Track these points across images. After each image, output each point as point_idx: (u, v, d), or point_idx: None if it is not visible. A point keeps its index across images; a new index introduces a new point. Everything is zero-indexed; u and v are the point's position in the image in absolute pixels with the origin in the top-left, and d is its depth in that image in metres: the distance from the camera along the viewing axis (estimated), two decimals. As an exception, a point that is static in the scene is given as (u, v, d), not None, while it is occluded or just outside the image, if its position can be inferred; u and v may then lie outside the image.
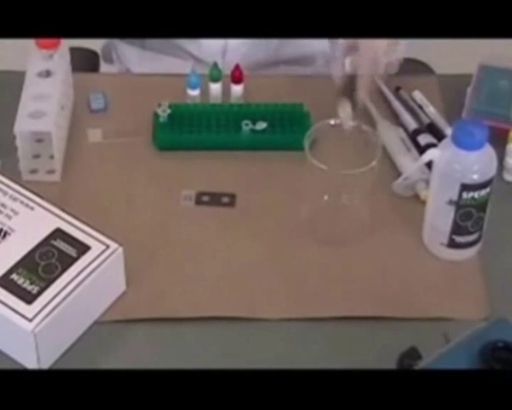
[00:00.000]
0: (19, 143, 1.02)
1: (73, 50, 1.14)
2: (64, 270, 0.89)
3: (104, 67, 1.39)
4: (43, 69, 1.07)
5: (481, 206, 0.94)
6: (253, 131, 1.08)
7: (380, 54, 1.02)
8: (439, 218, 0.96)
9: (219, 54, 1.21)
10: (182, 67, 1.20)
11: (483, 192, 0.93)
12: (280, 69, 1.25)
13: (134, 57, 1.27)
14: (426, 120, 1.10)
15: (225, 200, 1.03)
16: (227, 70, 1.12)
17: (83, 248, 0.91)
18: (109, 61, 1.35)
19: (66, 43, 1.11)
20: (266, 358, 0.89)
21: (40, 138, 1.03)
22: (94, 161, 1.07)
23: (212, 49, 1.20)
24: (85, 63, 1.35)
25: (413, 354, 0.83)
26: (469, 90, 1.09)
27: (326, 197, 0.99)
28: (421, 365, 0.79)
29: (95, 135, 1.10)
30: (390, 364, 0.83)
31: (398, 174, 1.03)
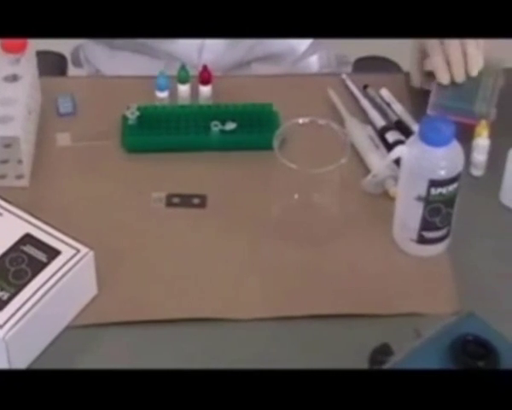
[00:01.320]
0: (-14, 148, 1.01)
1: (40, 54, 1.13)
2: (34, 275, 0.89)
3: (73, 71, 1.38)
4: (9, 74, 1.07)
5: (449, 201, 0.95)
6: (223, 131, 1.08)
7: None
8: (408, 214, 0.97)
9: (196, 52, 1.21)
10: (154, 66, 1.20)
11: (451, 188, 0.94)
12: (253, 67, 1.25)
13: (103, 57, 1.26)
14: (394, 118, 1.11)
15: (196, 201, 1.03)
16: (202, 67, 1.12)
17: (53, 253, 0.91)
18: (78, 64, 1.35)
19: (33, 47, 1.10)
20: (240, 358, 0.89)
21: (8, 143, 1.02)
22: (63, 165, 1.07)
23: (188, 47, 1.20)
24: (53, 67, 1.35)
25: (385, 350, 0.83)
26: (433, 86, 1.10)
27: (296, 196, 1.00)
28: (393, 360, 0.80)
29: (63, 139, 1.09)
30: (363, 360, 0.84)
31: (367, 172, 1.04)
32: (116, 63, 1.25)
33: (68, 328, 0.91)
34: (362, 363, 0.83)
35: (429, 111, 1.08)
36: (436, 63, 1.06)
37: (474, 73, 1.07)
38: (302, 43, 1.27)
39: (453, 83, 1.08)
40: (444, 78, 1.05)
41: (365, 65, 1.37)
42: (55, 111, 1.12)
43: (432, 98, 1.09)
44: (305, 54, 1.28)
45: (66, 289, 0.89)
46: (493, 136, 1.05)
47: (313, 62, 1.29)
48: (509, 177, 1.02)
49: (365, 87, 1.15)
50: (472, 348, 0.76)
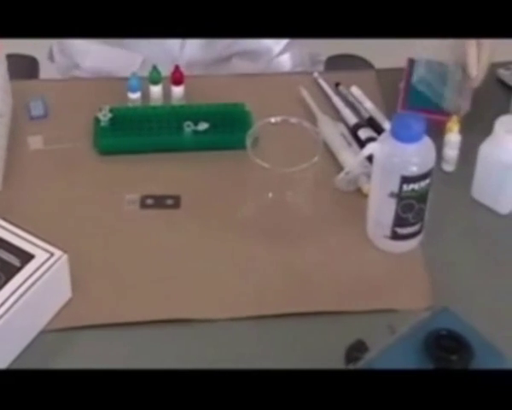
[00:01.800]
0: (-43, 153, 1.00)
1: (11, 57, 1.13)
2: (8, 280, 0.88)
3: (44, 74, 1.37)
4: (-21, 78, 1.06)
5: (422, 197, 0.95)
6: (196, 131, 1.08)
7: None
8: (381, 211, 0.97)
9: (177, 45, 1.21)
10: (133, 60, 1.19)
11: (423, 184, 0.94)
12: (233, 62, 1.25)
13: (81, 50, 1.25)
14: (366, 115, 1.12)
15: (170, 202, 1.03)
16: (185, 61, 1.11)
17: (26, 257, 0.90)
18: (52, 59, 1.33)
19: (3, 50, 1.09)
20: (216, 358, 0.89)
21: (-21, 148, 1.02)
22: (35, 169, 1.06)
23: (170, 41, 1.20)
24: (24, 70, 1.34)
25: (360, 346, 0.84)
26: (401, 84, 1.11)
27: (270, 195, 1.00)
28: (369, 357, 0.80)
29: (35, 142, 1.09)
30: (338, 357, 0.84)
31: (340, 169, 1.04)
32: (95, 57, 1.24)
33: (43, 332, 0.91)
34: (337, 360, 0.84)
35: (400, 108, 1.09)
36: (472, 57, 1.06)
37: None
38: (279, 42, 1.27)
39: (426, 72, 1.08)
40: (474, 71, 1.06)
41: (337, 63, 1.38)
42: (27, 114, 1.11)
43: (401, 97, 1.09)
44: (279, 52, 1.29)
45: (40, 293, 0.89)
46: (464, 131, 1.06)
47: (286, 61, 1.30)
48: (480, 172, 1.03)
49: (337, 85, 1.16)
50: (446, 342, 0.77)
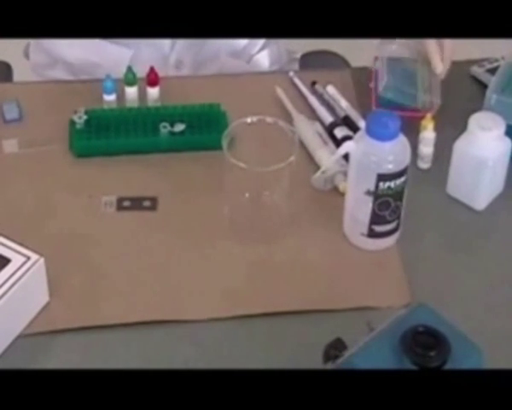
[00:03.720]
0: None
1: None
2: (-16, 285, 0.88)
3: (19, 77, 1.36)
4: (-48, 81, 1.05)
5: (398, 195, 0.96)
6: (172, 133, 1.08)
7: None
8: (358, 209, 0.97)
9: (168, 42, 1.21)
10: (122, 54, 1.19)
11: (399, 181, 0.95)
12: (222, 62, 1.25)
13: (64, 41, 1.22)
14: (341, 114, 1.12)
15: (147, 204, 1.03)
16: (175, 58, 1.11)
17: (2, 262, 0.90)
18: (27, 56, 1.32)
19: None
20: (195, 358, 0.89)
21: (-47, 152, 1.01)
22: (10, 172, 1.05)
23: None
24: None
25: (338, 344, 0.84)
26: (371, 84, 1.11)
27: (247, 195, 1.00)
28: (347, 355, 0.81)
29: (10, 145, 1.08)
30: (317, 356, 0.84)
31: (317, 168, 1.04)
32: (82, 48, 1.22)
33: (20, 336, 0.90)
34: (316, 358, 0.84)
35: (374, 107, 1.09)
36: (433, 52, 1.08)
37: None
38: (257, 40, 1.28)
39: (392, 77, 1.09)
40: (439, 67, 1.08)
41: (312, 59, 1.38)
42: (1, 118, 1.10)
43: (374, 96, 1.10)
44: (257, 50, 1.29)
45: (17, 297, 0.88)
46: (439, 129, 1.07)
47: (264, 57, 1.30)
48: (455, 169, 1.03)
49: (313, 84, 1.16)
50: (423, 338, 0.77)
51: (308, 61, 1.37)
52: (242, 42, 1.26)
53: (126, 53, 1.20)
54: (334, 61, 1.39)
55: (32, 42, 1.29)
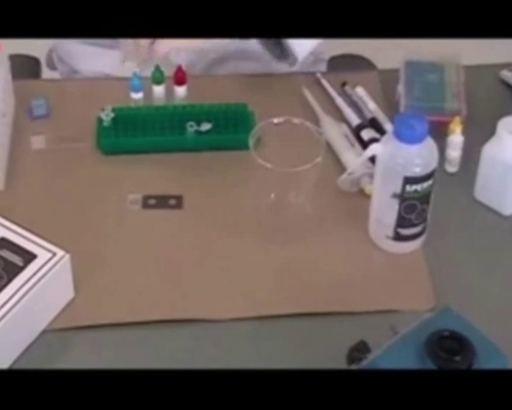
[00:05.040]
0: (-40, 152, 1.00)
1: (14, 57, 1.13)
2: (10, 279, 0.88)
3: (47, 74, 1.37)
4: (-18, 77, 1.06)
5: (424, 198, 0.95)
6: (198, 132, 1.08)
7: None
8: (383, 211, 0.97)
9: (173, 50, 1.21)
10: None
11: (426, 184, 0.94)
12: (232, 63, 1.25)
13: (79, 55, 1.25)
14: (368, 115, 1.12)
15: (172, 202, 1.03)
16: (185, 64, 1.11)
17: (29, 257, 0.90)
18: (52, 66, 1.34)
19: (6, 51, 1.09)
20: (220, 358, 0.89)
21: (-18, 147, 1.02)
22: (38, 169, 1.06)
23: (165, 47, 1.20)
24: (26, 70, 1.34)
25: (362, 347, 0.84)
26: (400, 87, 1.11)
27: (272, 196, 1.00)
28: (371, 357, 0.80)
29: (38, 142, 1.09)
30: (340, 358, 0.84)
31: (343, 170, 1.04)
32: (92, 60, 1.24)
33: (45, 332, 0.91)
34: (340, 361, 0.84)
35: (402, 110, 1.09)
36: None
37: None
38: None
39: (419, 83, 1.09)
40: None
41: (340, 63, 1.38)
42: (30, 114, 1.11)
43: (402, 100, 1.10)
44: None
45: (42, 292, 0.89)
46: (467, 132, 1.06)
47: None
48: (483, 173, 1.03)
49: (343, 85, 1.16)
50: (448, 343, 0.77)
51: (335, 65, 1.37)
52: (255, 44, 1.25)
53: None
54: (362, 65, 1.39)
55: (54, 55, 1.30)
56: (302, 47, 1.09)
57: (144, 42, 1.19)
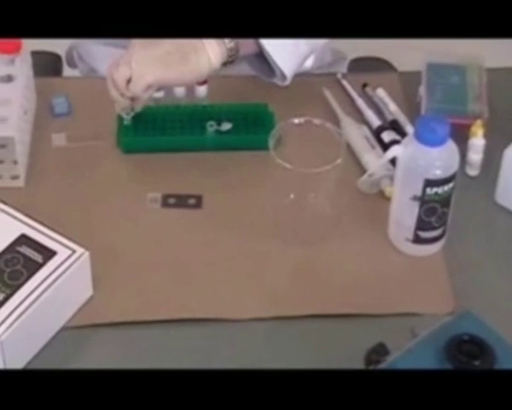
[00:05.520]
0: (-19, 149, 1.01)
1: (35, 54, 1.13)
2: (30, 276, 0.89)
3: (68, 71, 1.38)
4: (4, 74, 1.07)
5: (445, 201, 0.95)
6: (218, 131, 1.08)
7: None
8: (403, 214, 0.97)
9: None
10: None
11: (446, 187, 0.94)
12: (243, 66, 1.25)
13: (98, 55, 1.26)
14: (389, 117, 1.11)
15: (192, 201, 1.03)
16: None
17: (49, 254, 0.90)
18: (72, 64, 1.34)
19: (28, 48, 1.10)
20: (236, 358, 0.89)
21: (3, 144, 1.02)
22: (58, 166, 1.06)
23: None
24: (48, 67, 1.35)
25: (381, 349, 0.83)
26: (421, 89, 1.10)
27: (292, 196, 1.00)
28: (389, 360, 0.80)
29: (58, 139, 1.09)
30: (358, 360, 0.84)
31: (363, 171, 1.04)
32: (110, 61, 1.25)
33: (64, 329, 0.91)
34: (357, 363, 0.83)
35: (423, 112, 1.08)
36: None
37: None
38: None
39: (441, 85, 1.08)
40: None
41: (360, 65, 1.37)
42: (51, 112, 1.12)
43: (424, 102, 1.09)
44: None
45: (61, 289, 0.89)
46: (489, 135, 1.05)
47: (307, 60, 1.29)
48: (505, 176, 1.02)
49: (364, 86, 1.15)
50: (468, 347, 0.76)
51: (356, 67, 1.37)
52: None
53: None
54: (382, 67, 1.38)
55: (75, 53, 1.31)
56: (288, 63, 1.08)
57: None
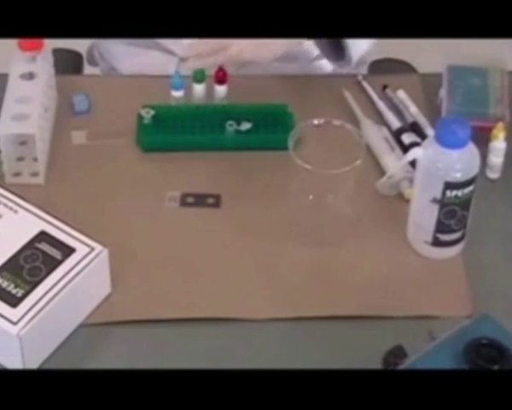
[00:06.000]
0: (2, 145, 1.01)
1: (56, 52, 1.14)
2: (49, 273, 0.89)
3: (88, 69, 1.38)
4: (26, 71, 1.07)
5: (465, 204, 0.94)
6: (238, 131, 1.08)
7: None
8: (423, 216, 0.96)
9: None
10: (168, 61, 1.20)
11: (466, 190, 0.93)
12: (269, 64, 1.25)
13: (118, 54, 1.26)
14: (409, 119, 1.11)
15: (210, 201, 1.03)
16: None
17: (67, 251, 0.91)
18: (93, 62, 1.35)
19: (49, 45, 1.10)
20: (252, 358, 0.89)
21: (23, 141, 1.03)
22: (78, 163, 1.07)
23: None
24: (68, 64, 1.35)
25: (398, 352, 0.83)
26: (442, 91, 1.10)
27: (311, 197, 1.00)
28: (407, 363, 0.80)
29: (79, 137, 1.09)
30: (376, 362, 0.84)
31: (383, 173, 1.03)
32: (131, 60, 1.25)
33: (82, 326, 0.91)
34: (375, 365, 0.83)
35: (444, 114, 1.08)
36: None
37: None
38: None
39: (461, 87, 1.08)
40: None
41: (380, 67, 1.37)
42: (71, 109, 1.12)
43: (444, 105, 1.08)
44: (320, 55, 1.28)
45: (80, 286, 0.89)
46: (510, 138, 1.05)
47: (327, 63, 1.29)
48: (525, 180, 1.01)
49: (384, 88, 1.15)
50: (486, 351, 0.76)
51: (376, 69, 1.36)
52: (294, 46, 1.24)
53: (173, 60, 1.20)
54: (403, 69, 1.38)
55: (96, 52, 1.31)
56: (357, 49, 1.08)
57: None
